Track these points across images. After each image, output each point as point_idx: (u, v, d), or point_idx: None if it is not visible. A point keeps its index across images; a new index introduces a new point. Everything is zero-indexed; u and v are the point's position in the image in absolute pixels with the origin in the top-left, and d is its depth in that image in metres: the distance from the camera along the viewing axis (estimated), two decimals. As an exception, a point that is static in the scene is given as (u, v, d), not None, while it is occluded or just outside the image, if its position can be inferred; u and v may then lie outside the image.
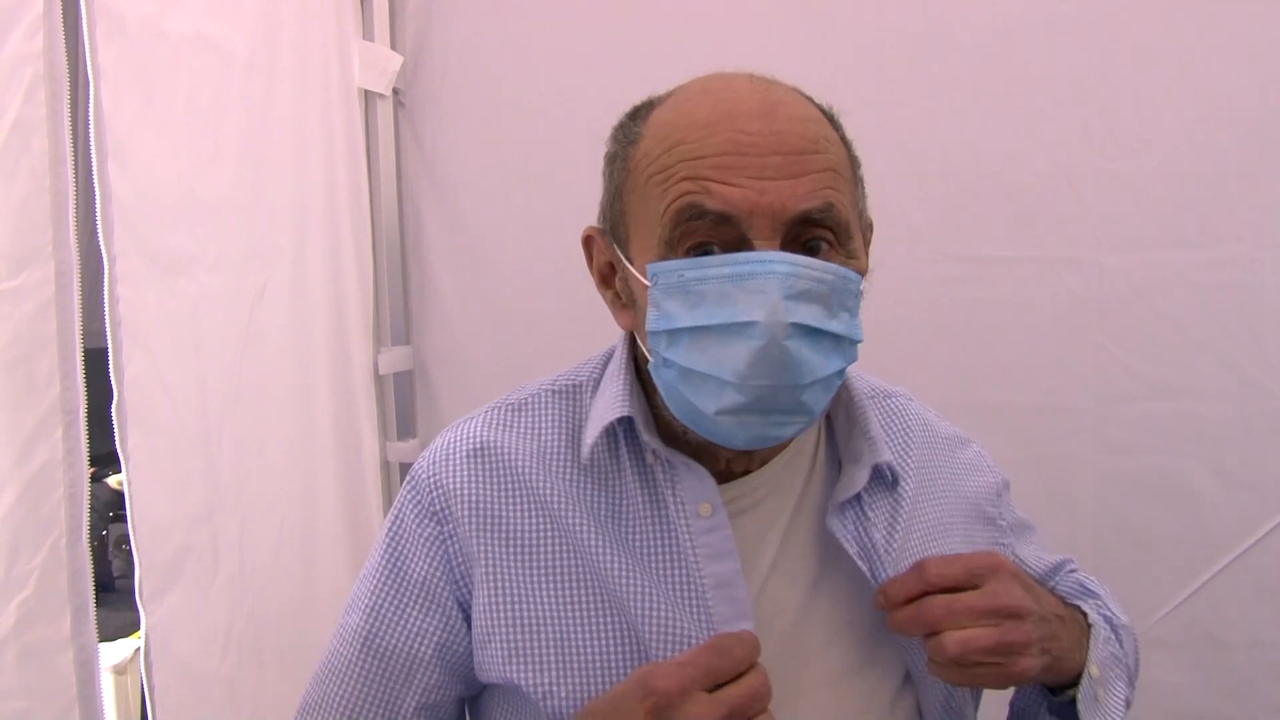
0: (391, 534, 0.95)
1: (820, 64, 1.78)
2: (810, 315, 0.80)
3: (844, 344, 0.83)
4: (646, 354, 0.87)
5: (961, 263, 1.79)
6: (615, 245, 0.89)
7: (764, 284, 0.78)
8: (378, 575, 0.94)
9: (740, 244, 0.80)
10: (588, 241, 0.93)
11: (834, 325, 0.81)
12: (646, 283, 0.83)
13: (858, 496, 0.92)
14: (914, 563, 0.87)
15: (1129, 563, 1.78)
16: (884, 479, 0.94)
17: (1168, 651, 1.76)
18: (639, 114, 0.90)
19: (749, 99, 0.83)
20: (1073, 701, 0.92)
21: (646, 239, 0.84)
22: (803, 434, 0.92)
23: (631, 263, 0.86)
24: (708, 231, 0.81)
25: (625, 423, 0.91)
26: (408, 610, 0.93)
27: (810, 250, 0.82)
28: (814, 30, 1.81)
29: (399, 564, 0.94)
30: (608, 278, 0.92)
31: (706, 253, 0.81)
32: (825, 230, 0.82)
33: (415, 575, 0.93)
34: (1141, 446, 1.76)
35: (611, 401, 0.91)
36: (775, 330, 0.78)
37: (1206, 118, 1.69)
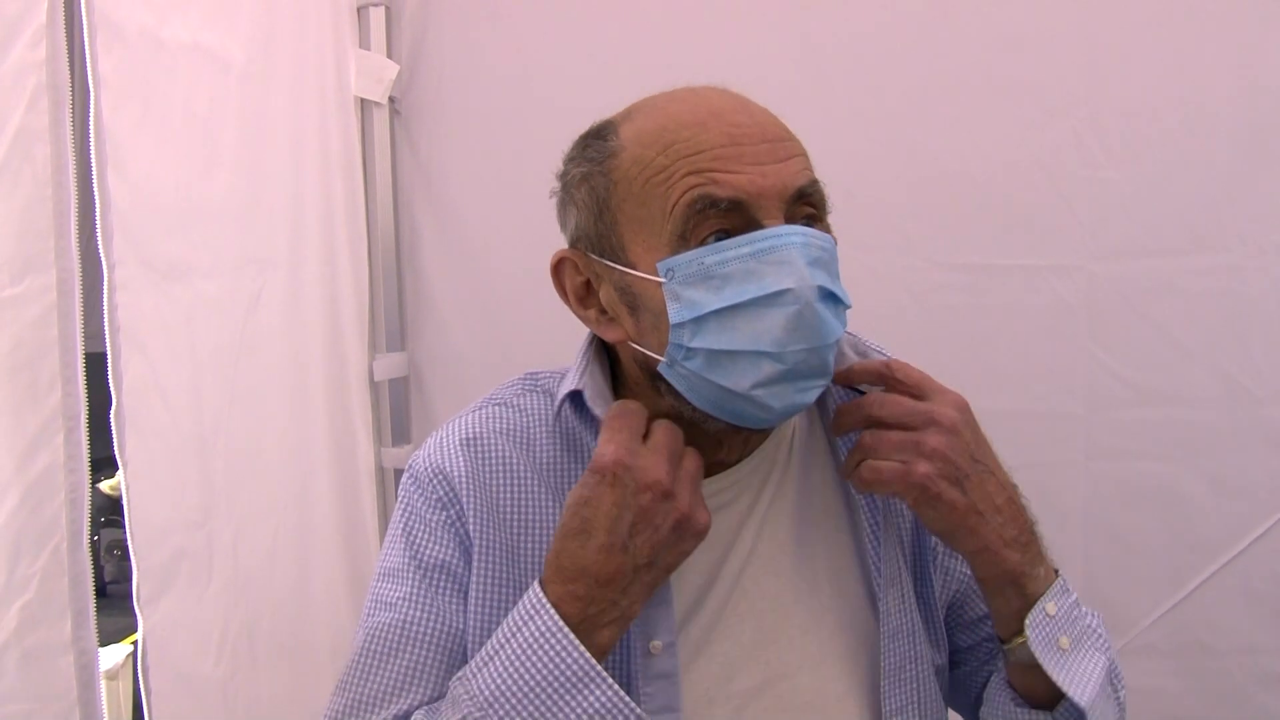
0: (406, 527, 0.96)
1: (811, 73, 1.79)
2: (827, 279, 0.84)
3: (842, 308, 0.87)
4: (653, 358, 0.88)
5: (952, 270, 1.80)
6: (604, 259, 0.90)
7: (786, 254, 0.82)
8: (402, 570, 0.95)
9: (750, 227, 0.84)
10: (558, 267, 0.95)
11: (839, 289, 0.86)
12: (660, 279, 0.85)
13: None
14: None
15: (1119, 569, 1.78)
16: None
17: (1158, 658, 1.77)
18: (602, 134, 0.92)
19: (722, 99, 0.89)
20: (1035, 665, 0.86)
21: (650, 239, 0.86)
22: (784, 422, 0.95)
23: (634, 268, 0.87)
24: (720, 219, 0.83)
25: (577, 397, 0.94)
26: (439, 593, 0.93)
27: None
28: (805, 40, 1.81)
29: (419, 553, 0.95)
30: (585, 298, 0.94)
31: (721, 239, 0.84)
32: (811, 207, 0.87)
33: (436, 559, 0.94)
34: (1131, 453, 1.77)
35: (569, 380, 0.96)
36: (807, 294, 0.82)
37: (1195, 126, 1.70)
